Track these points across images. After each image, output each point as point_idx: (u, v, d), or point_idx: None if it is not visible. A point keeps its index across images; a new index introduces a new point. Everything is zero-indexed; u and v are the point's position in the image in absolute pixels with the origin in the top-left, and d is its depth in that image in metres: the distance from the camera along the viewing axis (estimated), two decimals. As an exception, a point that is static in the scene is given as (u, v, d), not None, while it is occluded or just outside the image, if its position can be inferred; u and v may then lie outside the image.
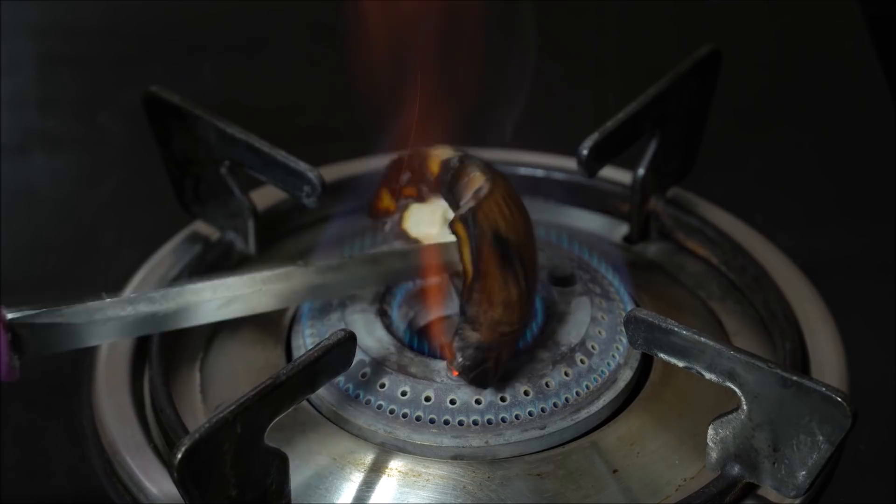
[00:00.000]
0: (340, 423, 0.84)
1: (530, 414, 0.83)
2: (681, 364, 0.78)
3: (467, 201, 0.82)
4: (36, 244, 1.07)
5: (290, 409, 0.76)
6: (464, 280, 0.82)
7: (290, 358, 0.90)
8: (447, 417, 0.83)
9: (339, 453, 0.83)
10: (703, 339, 0.77)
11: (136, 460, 0.84)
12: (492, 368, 0.82)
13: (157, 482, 0.82)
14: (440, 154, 0.86)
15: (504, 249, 0.81)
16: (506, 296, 0.81)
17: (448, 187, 0.85)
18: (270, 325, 0.93)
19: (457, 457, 0.82)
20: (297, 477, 0.80)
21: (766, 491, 0.80)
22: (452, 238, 0.82)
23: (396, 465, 0.82)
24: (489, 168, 0.84)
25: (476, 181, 0.83)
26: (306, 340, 0.88)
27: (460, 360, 0.82)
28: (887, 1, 1.35)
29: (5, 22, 1.32)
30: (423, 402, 0.83)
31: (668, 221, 1.00)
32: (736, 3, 1.35)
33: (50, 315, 0.82)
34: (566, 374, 0.85)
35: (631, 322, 0.79)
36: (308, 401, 0.85)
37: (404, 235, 0.90)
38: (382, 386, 0.84)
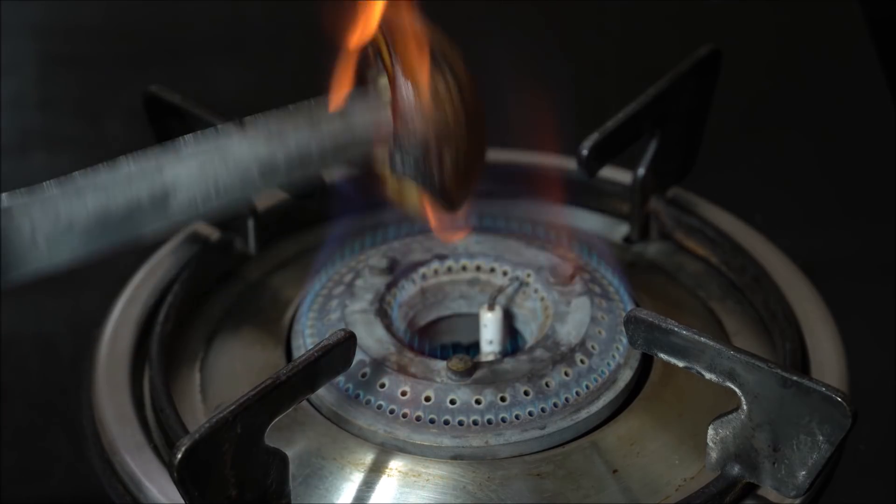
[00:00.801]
0: (340, 423, 0.84)
1: (530, 414, 0.83)
2: (681, 364, 0.78)
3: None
4: (36, 244, 1.07)
5: (290, 409, 0.76)
6: (387, 75, 0.78)
7: (290, 358, 0.90)
8: (447, 417, 0.83)
9: (339, 453, 0.83)
10: (703, 339, 0.77)
11: (136, 460, 0.83)
12: (434, 170, 0.79)
13: (157, 482, 0.82)
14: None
15: (427, 48, 0.78)
16: (433, 86, 0.78)
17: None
18: (270, 325, 0.93)
19: (457, 457, 0.82)
20: (297, 477, 0.80)
21: (766, 491, 0.80)
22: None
23: (396, 465, 0.82)
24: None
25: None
26: (306, 340, 0.88)
27: (396, 155, 0.80)
28: (887, 1, 1.35)
29: (5, 22, 1.32)
30: (423, 402, 0.83)
31: (668, 221, 1.00)
32: (736, 3, 1.35)
33: None
34: (566, 374, 0.85)
35: (631, 322, 0.79)
36: (308, 401, 0.85)
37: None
38: (382, 386, 0.84)
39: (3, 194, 0.76)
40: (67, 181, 0.76)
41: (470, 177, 0.81)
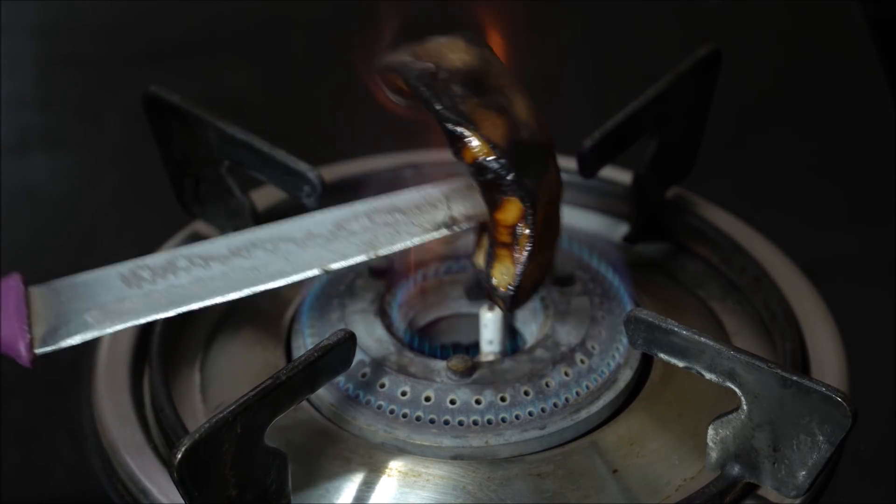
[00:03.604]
0: (340, 423, 0.84)
1: (530, 414, 0.83)
2: (681, 364, 0.78)
3: (517, 274, 0.80)
4: (36, 244, 1.07)
5: (290, 409, 0.76)
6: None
7: (290, 358, 0.90)
8: (447, 417, 0.83)
9: (339, 453, 0.83)
10: (703, 339, 0.77)
11: (136, 460, 0.84)
12: (525, 292, 0.82)
13: (157, 482, 0.82)
14: (473, 147, 0.79)
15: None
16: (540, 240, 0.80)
17: (484, 190, 0.80)
18: (270, 325, 0.93)
19: (457, 457, 0.82)
20: (298, 477, 0.80)
21: (766, 491, 0.80)
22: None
23: (396, 465, 0.82)
24: (529, 193, 0.79)
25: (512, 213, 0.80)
26: (306, 340, 0.88)
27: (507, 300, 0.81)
28: (887, 1, 1.35)
29: (5, 22, 1.32)
30: (423, 402, 0.83)
31: (668, 221, 1.00)
32: (736, 3, 1.35)
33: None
34: (566, 374, 0.85)
35: (631, 322, 0.79)
36: (308, 401, 0.85)
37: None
38: (382, 386, 0.84)
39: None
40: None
41: (537, 287, 0.83)
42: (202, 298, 0.81)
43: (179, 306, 0.81)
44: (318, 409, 0.85)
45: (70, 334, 0.80)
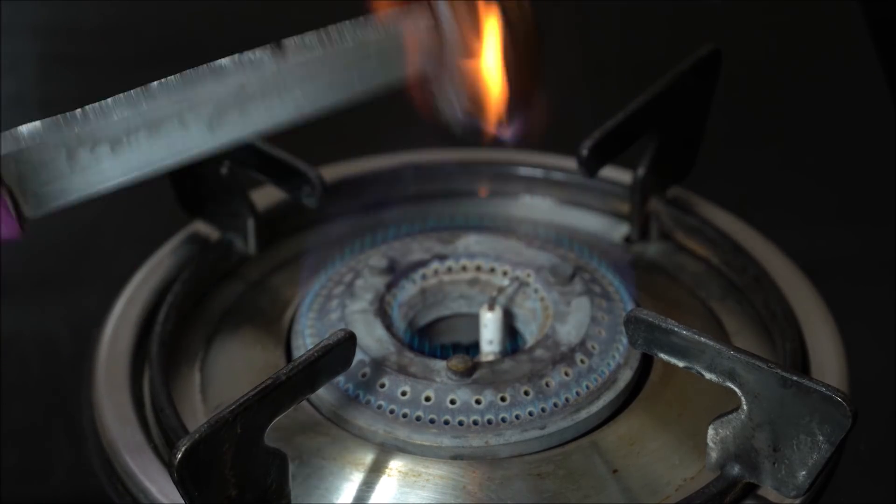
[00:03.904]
0: (340, 423, 0.84)
1: (530, 414, 0.83)
2: (681, 364, 0.78)
3: None
4: (36, 244, 1.07)
5: (290, 409, 0.76)
6: None
7: (290, 358, 0.90)
8: (447, 417, 0.83)
9: (339, 453, 0.83)
10: (703, 339, 0.77)
11: (136, 460, 0.84)
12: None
13: (157, 482, 0.82)
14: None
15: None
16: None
17: None
18: (270, 325, 0.93)
19: (457, 457, 0.82)
20: (298, 477, 0.80)
21: (766, 491, 0.80)
22: None
23: (396, 465, 0.82)
24: None
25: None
26: (306, 340, 0.88)
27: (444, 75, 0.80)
28: (887, 1, 1.35)
29: (5, 22, 1.32)
30: (423, 402, 0.83)
31: (668, 221, 1.00)
32: (736, 3, 1.35)
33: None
34: (566, 374, 0.85)
35: (631, 322, 0.79)
36: (308, 401, 0.85)
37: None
38: (382, 386, 0.84)
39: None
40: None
41: (524, 80, 0.81)
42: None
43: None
44: (318, 409, 0.85)
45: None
